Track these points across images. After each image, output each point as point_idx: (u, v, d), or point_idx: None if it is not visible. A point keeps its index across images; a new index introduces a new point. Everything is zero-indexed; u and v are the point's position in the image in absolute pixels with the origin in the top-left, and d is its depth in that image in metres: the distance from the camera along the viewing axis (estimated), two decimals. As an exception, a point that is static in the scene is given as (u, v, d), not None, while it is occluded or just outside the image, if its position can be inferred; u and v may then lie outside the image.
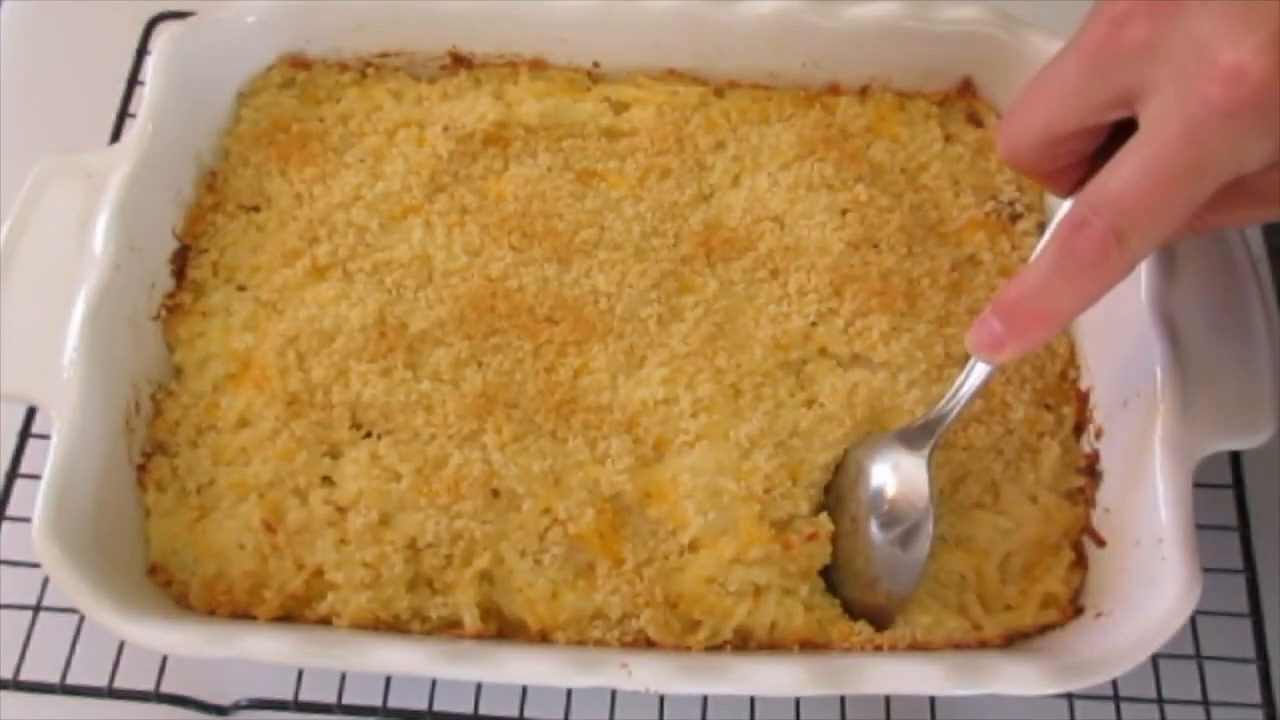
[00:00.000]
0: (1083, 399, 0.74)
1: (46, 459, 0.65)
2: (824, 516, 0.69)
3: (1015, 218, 0.80)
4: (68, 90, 0.95)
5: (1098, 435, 0.71)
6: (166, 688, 0.68)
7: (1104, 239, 0.52)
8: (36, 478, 0.64)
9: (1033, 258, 0.58)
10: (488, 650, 0.63)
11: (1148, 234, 0.52)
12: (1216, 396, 0.66)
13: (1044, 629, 0.69)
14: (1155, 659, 0.64)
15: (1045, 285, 0.56)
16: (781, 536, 0.68)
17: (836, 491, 0.70)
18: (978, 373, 0.66)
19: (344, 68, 0.85)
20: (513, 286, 0.75)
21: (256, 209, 0.79)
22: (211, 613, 0.68)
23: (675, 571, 0.68)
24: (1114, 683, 0.68)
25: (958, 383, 0.68)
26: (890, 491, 0.68)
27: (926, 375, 0.73)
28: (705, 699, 0.70)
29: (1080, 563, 0.70)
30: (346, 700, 0.69)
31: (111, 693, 0.68)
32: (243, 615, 0.67)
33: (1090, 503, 0.71)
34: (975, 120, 0.84)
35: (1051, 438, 0.73)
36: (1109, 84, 0.53)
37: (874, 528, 0.68)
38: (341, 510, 0.69)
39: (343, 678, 0.69)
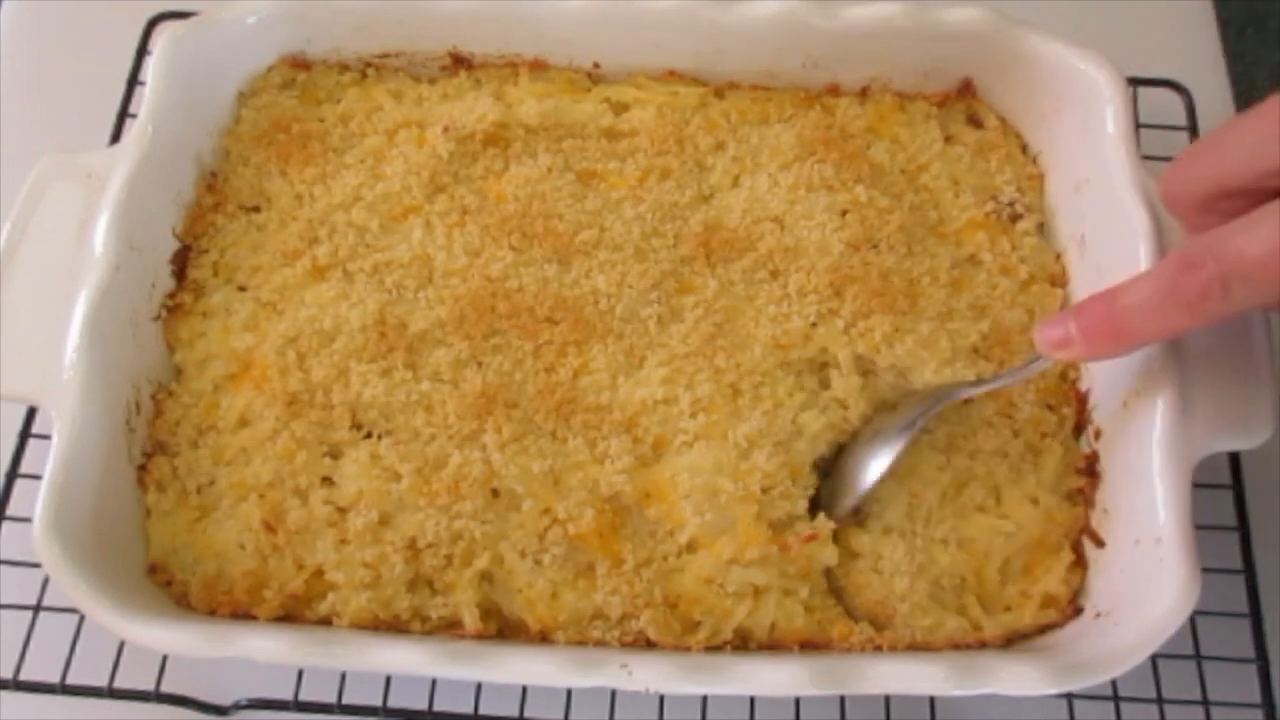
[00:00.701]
0: (1082, 400, 0.74)
1: (47, 459, 0.65)
2: (822, 518, 0.69)
3: (1015, 218, 0.80)
4: (68, 90, 0.95)
5: (1097, 436, 0.72)
6: (166, 688, 0.68)
7: (1210, 284, 0.54)
8: (37, 478, 0.65)
9: (1130, 277, 0.60)
10: (488, 650, 0.63)
11: (1254, 294, 0.54)
12: (1215, 397, 0.66)
13: (1044, 629, 0.69)
14: (1155, 659, 0.64)
15: (1136, 306, 0.58)
16: (779, 538, 0.68)
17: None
18: (1029, 368, 0.69)
19: (344, 68, 0.85)
20: (513, 287, 0.75)
21: (257, 209, 0.79)
22: (212, 613, 0.68)
23: (674, 572, 0.68)
24: (1114, 683, 0.68)
25: (1006, 373, 0.71)
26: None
27: (936, 374, 0.73)
28: (705, 699, 0.70)
29: (1080, 563, 0.70)
30: (346, 700, 0.69)
31: (111, 693, 0.68)
32: (243, 615, 0.68)
33: (1090, 503, 0.71)
34: (975, 121, 0.84)
35: (1053, 438, 0.73)
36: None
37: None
38: (341, 510, 0.69)
39: (343, 678, 0.69)
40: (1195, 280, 0.55)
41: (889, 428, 0.71)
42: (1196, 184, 0.60)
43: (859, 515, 0.71)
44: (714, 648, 0.67)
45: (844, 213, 0.78)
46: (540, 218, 0.77)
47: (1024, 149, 0.83)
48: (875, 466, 0.70)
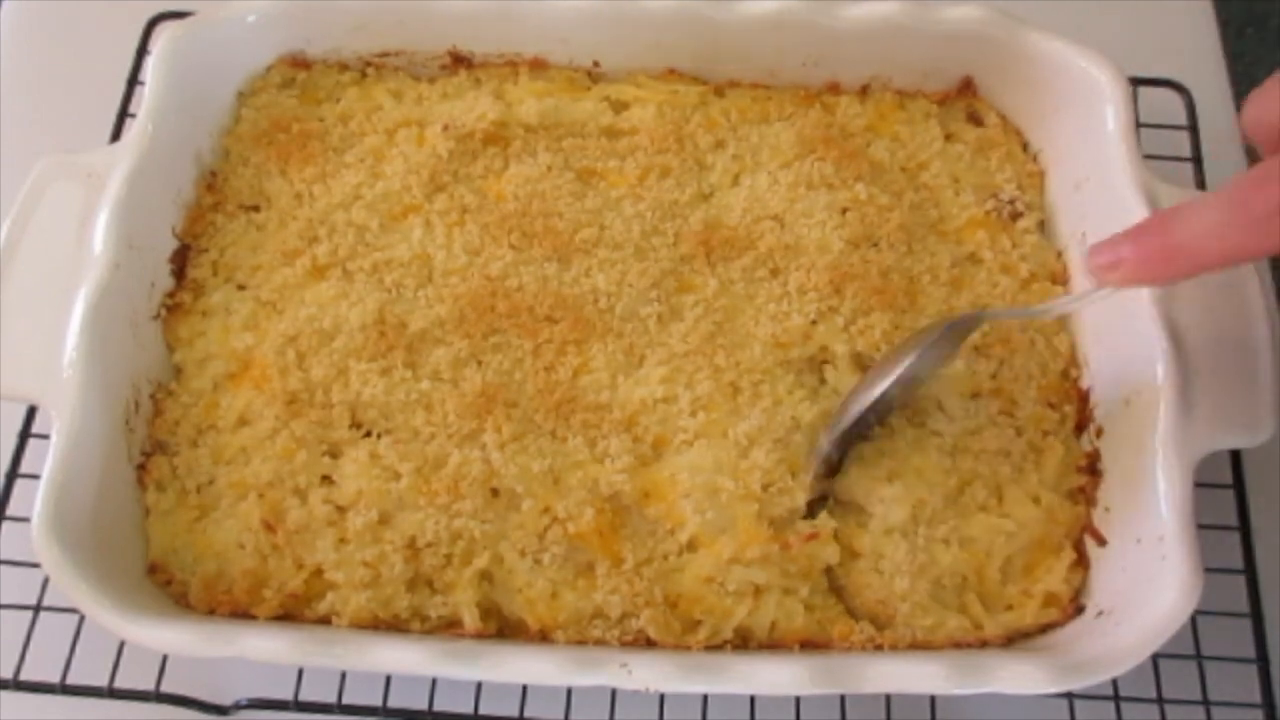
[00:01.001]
0: (1083, 398, 0.74)
1: (46, 459, 0.65)
2: (824, 516, 0.69)
3: (1016, 216, 0.80)
4: (68, 90, 0.95)
5: (1098, 434, 0.71)
6: (166, 688, 0.68)
7: None
8: (36, 478, 0.65)
9: (1189, 199, 0.56)
10: (488, 650, 0.63)
11: None
12: (1217, 395, 0.66)
13: (1045, 628, 0.69)
14: (1155, 658, 0.64)
15: (1199, 223, 0.54)
16: (780, 537, 0.68)
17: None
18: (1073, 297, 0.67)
19: (344, 68, 0.85)
20: (512, 286, 0.75)
21: (256, 208, 0.79)
22: (211, 612, 0.68)
23: (674, 571, 0.68)
24: (1114, 682, 0.68)
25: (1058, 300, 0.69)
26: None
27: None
28: (705, 698, 0.69)
29: (1081, 562, 0.70)
30: (346, 700, 0.69)
31: (111, 693, 0.68)
32: (242, 615, 0.67)
33: (1091, 502, 0.71)
34: (975, 119, 0.84)
35: (1054, 436, 0.73)
36: None
37: None
38: (341, 510, 0.69)
39: (343, 678, 0.69)
40: (1265, 196, 0.51)
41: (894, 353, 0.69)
42: (1274, 110, 0.57)
43: (861, 516, 0.71)
44: (714, 647, 0.67)
45: (844, 211, 0.78)
46: (540, 216, 0.77)
47: (1024, 147, 0.83)
48: (877, 386, 0.68)
